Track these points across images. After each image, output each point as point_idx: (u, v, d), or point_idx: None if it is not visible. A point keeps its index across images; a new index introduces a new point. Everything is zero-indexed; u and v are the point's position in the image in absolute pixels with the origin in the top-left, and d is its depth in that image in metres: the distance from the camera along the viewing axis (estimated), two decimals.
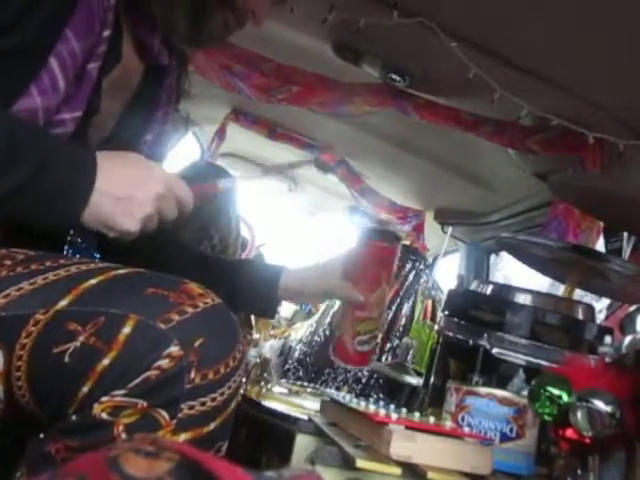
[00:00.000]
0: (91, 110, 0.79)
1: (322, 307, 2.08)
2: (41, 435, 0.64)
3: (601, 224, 1.69)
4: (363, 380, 1.76)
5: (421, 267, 2.01)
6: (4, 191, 0.65)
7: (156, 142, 0.96)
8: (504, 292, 1.20)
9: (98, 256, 1.07)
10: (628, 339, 0.90)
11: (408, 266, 1.99)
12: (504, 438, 0.94)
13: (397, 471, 0.75)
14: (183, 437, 0.62)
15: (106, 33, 0.76)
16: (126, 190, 0.70)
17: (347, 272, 0.99)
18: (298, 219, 3.45)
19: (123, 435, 0.60)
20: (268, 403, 1.17)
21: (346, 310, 1.01)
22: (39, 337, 0.63)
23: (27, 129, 0.70)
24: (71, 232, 1.05)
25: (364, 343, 1.00)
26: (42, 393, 0.64)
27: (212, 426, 0.64)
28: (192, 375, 0.62)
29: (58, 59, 0.72)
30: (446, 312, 1.22)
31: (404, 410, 0.90)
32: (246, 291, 1.01)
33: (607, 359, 0.91)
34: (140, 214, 0.71)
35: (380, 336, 1.03)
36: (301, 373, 1.82)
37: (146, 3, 0.82)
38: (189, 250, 1.10)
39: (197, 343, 0.63)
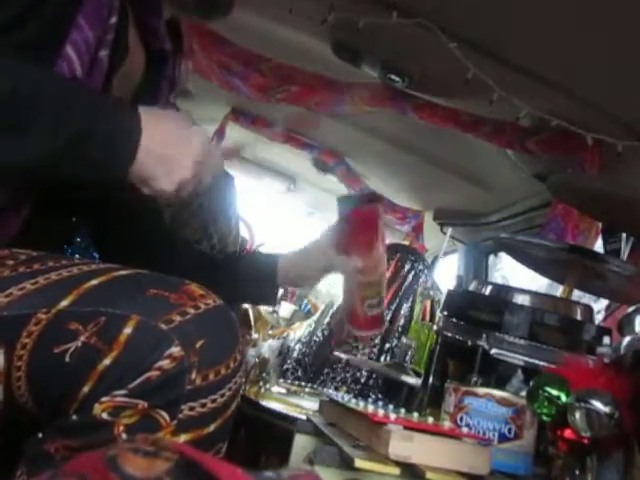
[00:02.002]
0: None
1: (321, 307, 2.08)
2: (40, 435, 0.64)
3: (599, 225, 1.69)
4: (362, 380, 1.77)
5: (420, 267, 2.01)
6: (57, 146, 0.64)
7: None
8: (503, 293, 1.21)
9: (97, 256, 1.07)
10: (626, 340, 0.91)
11: (407, 266, 1.99)
12: (502, 438, 0.94)
13: (396, 471, 0.76)
14: (183, 438, 0.62)
15: (113, 20, 0.77)
16: (169, 149, 0.70)
17: (339, 244, 1.00)
18: (297, 219, 3.45)
19: (123, 435, 0.60)
20: (267, 403, 1.17)
21: (348, 280, 1.02)
22: (40, 337, 0.63)
23: (74, 83, 0.70)
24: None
25: (374, 307, 1.02)
26: (42, 393, 0.64)
27: (212, 427, 0.64)
28: (193, 376, 0.62)
29: (74, 48, 0.72)
30: (445, 312, 1.22)
31: (403, 410, 0.90)
32: (246, 281, 1.02)
33: (605, 360, 0.91)
34: (179, 176, 0.71)
35: (385, 298, 1.05)
36: (300, 373, 1.83)
37: None
38: (187, 247, 1.10)
39: (198, 344, 0.63)
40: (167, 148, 0.70)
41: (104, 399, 0.60)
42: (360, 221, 1.00)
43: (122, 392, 0.60)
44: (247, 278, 1.03)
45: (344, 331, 1.09)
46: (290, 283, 1.10)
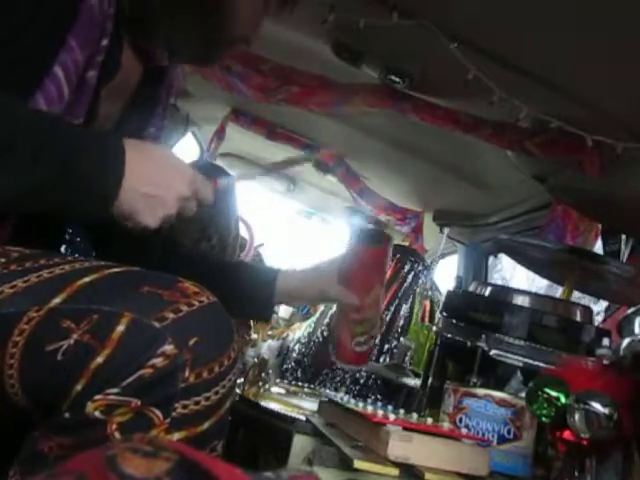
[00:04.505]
0: (91, 116, 0.79)
1: (320, 308, 2.08)
2: (33, 433, 0.64)
3: (599, 226, 1.69)
4: (361, 381, 1.76)
5: (419, 268, 2.01)
6: (37, 182, 0.65)
7: (157, 136, 0.96)
8: (502, 294, 1.21)
9: (94, 255, 1.07)
10: (626, 341, 0.91)
11: (407, 267, 1.99)
12: (501, 439, 0.94)
13: (394, 472, 0.76)
14: (177, 436, 0.62)
15: (104, 42, 0.76)
16: (153, 188, 0.70)
17: (341, 275, 1.00)
18: (297, 219, 3.45)
19: (116, 434, 0.60)
20: (266, 403, 1.17)
21: (342, 313, 1.02)
22: (32, 335, 0.62)
23: (53, 120, 0.70)
24: (69, 231, 1.04)
25: (362, 344, 1.00)
26: (35, 391, 0.64)
27: (206, 425, 0.64)
28: (186, 374, 0.62)
29: (63, 68, 0.72)
30: (444, 313, 1.22)
31: (402, 411, 0.90)
32: (242, 296, 1.01)
33: (605, 361, 0.91)
34: (162, 213, 0.72)
35: (377, 336, 1.03)
36: (299, 373, 1.82)
37: (147, 15, 0.82)
38: (185, 252, 1.10)
39: (191, 342, 0.62)
40: (151, 186, 0.70)
41: (97, 397, 0.60)
42: (368, 259, 0.99)
43: (115, 390, 0.60)
44: (244, 295, 1.01)
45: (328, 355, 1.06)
46: (285, 303, 1.09)
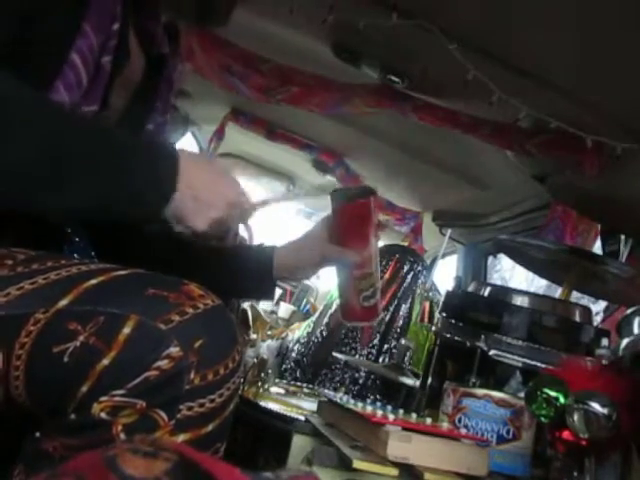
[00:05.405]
0: (106, 104, 0.80)
1: (320, 308, 2.08)
2: (38, 434, 0.64)
3: (598, 226, 1.69)
4: (360, 381, 1.77)
5: (419, 269, 2.01)
6: (92, 192, 0.67)
7: (157, 132, 0.96)
8: (501, 294, 1.21)
9: (93, 254, 1.07)
10: (625, 341, 0.91)
11: (406, 267, 1.99)
12: (501, 439, 0.94)
13: (394, 472, 0.76)
14: (181, 438, 0.62)
15: (115, 26, 0.78)
16: (204, 193, 0.73)
17: (333, 238, 1.00)
18: (296, 220, 3.45)
19: (122, 435, 0.61)
20: (265, 403, 1.17)
21: (344, 273, 1.02)
22: (39, 336, 0.63)
23: (102, 127, 0.72)
24: (69, 230, 1.05)
25: (369, 298, 1.01)
26: (41, 392, 0.64)
27: (210, 427, 0.64)
28: (191, 376, 0.62)
29: (79, 55, 0.73)
30: (443, 314, 1.22)
31: (401, 411, 0.91)
32: (242, 276, 1.02)
33: (604, 361, 0.92)
34: (213, 215, 0.74)
35: (380, 288, 1.04)
36: (298, 374, 1.83)
37: None
38: (184, 245, 1.10)
39: (197, 344, 0.63)
40: (202, 191, 0.73)
41: (103, 399, 0.60)
42: (353, 216, 1.00)
43: (121, 392, 0.60)
44: (244, 273, 1.02)
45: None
46: (285, 276, 1.09)
